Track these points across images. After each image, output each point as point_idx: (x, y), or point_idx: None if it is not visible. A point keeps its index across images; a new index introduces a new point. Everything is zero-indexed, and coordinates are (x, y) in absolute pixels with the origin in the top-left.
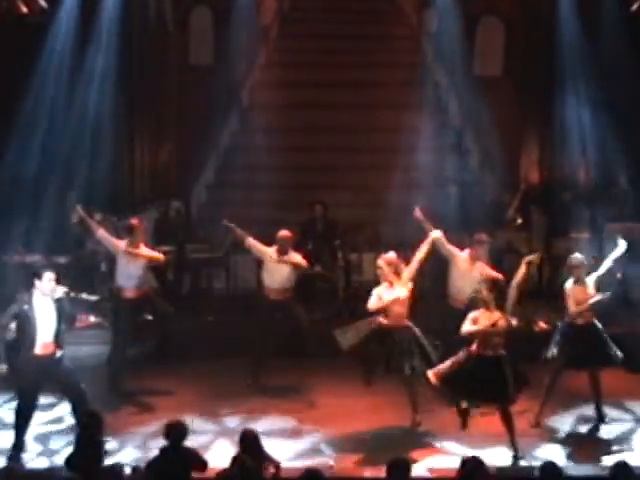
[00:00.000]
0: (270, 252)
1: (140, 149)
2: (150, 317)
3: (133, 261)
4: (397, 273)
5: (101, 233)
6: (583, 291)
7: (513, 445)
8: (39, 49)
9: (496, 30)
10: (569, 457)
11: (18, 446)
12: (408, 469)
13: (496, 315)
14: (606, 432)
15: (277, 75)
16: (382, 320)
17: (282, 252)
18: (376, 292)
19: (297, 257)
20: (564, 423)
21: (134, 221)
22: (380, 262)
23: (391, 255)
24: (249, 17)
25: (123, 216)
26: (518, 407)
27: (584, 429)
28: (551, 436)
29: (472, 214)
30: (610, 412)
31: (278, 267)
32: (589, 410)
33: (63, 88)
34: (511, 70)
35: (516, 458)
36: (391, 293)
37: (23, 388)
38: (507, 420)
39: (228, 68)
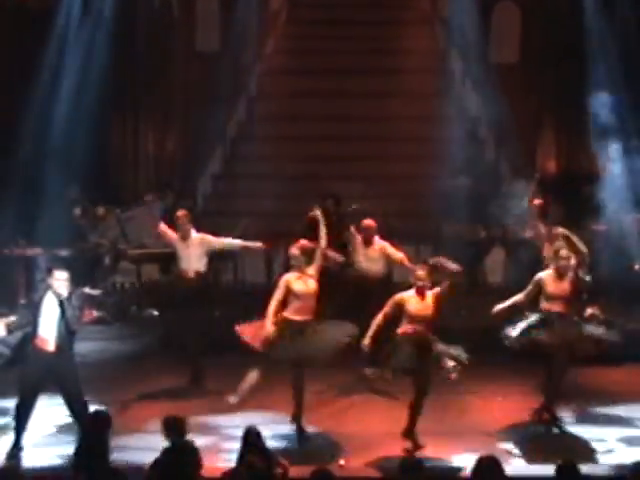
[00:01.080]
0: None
1: (144, 139)
2: (156, 312)
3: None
4: (310, 262)
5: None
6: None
7: None
8: (40, 36)
9: (512, 16)
10: (585, 456)
11: (17, 445)
12: (421, 469)
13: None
14: (624, 431)
15: (286, 62)
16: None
17: (368, 241)
18: (284, 282)
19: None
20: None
21: (180, 213)
22: (295, 251)
23: (304, 242)
24: (257, 1)
25: (126, 208)
26: (534, 404)
27: (600, 427)
28: (566, 434)
29: (487, 205)
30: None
31: (369, 255)
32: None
33: (64, 76)
34: (528, 57)
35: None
36: (301, 285)
37: (24, 383)
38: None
39: (235, 55)
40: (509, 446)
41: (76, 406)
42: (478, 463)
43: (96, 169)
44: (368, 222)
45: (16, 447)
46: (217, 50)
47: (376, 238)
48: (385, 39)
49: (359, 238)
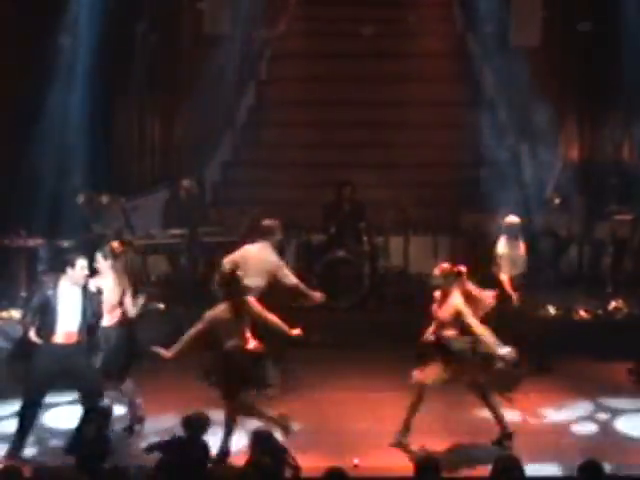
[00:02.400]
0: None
1: (151, 125)
2: (161, 305)
3: None
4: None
5: None
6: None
7: None
8: (48, 22)
9: None
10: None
11: (20, 442)
12: (438, 469)
13: None
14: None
15: (297, 45)
16: None
17: (513, 237)
18: None
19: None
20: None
21: (270, 222)
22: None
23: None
24: None
25: (132, 196)
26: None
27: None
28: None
29: (507, 195)
30: None
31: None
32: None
33: (67, 61)
34: (550, 40)
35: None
36: None
37: (34, 379)
38: None
39: (245, 38)
40: (527, 444)
41: (94, 404)
42: (497, 463)
43: (100, 157)
44: (512, 219)
45: (17, 447)
46: (226, 33)
47: None
48: (402, 21)
49: (503, 243)
